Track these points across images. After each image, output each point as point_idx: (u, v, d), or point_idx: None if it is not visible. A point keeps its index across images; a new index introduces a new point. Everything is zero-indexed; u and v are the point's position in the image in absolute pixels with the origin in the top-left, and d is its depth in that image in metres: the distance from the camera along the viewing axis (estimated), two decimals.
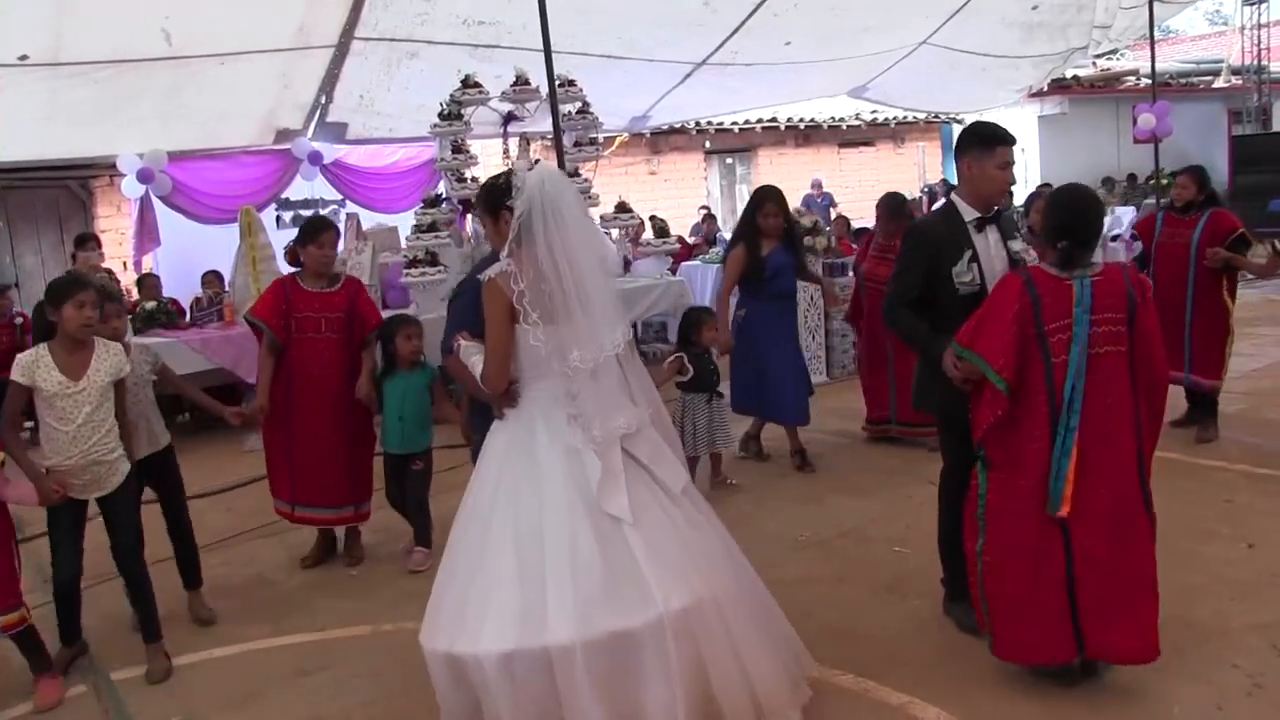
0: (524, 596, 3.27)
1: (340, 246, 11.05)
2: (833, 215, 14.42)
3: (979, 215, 4.21)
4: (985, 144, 4.18)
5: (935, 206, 16.34)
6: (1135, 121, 14.00)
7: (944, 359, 3.89)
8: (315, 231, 5.63)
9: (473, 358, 3.60)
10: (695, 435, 6.30)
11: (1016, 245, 4.26)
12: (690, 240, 14.80)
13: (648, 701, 3.26)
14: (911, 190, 18.25)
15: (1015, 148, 4.28)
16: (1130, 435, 3.69)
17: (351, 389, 5.60)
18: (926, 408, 4.43)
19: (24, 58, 8.44)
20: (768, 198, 6.89)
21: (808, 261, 8.96)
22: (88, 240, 9.86)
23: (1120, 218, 14.61)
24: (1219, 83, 23.04)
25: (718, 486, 6.50)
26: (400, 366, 5.70)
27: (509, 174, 3.56)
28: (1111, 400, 3.65)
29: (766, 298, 6.79)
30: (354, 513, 5.81)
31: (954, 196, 4.34)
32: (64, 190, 13.12)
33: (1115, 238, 13.65)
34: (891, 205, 7.37)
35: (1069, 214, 3.78)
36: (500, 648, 3.23)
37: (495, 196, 3.60)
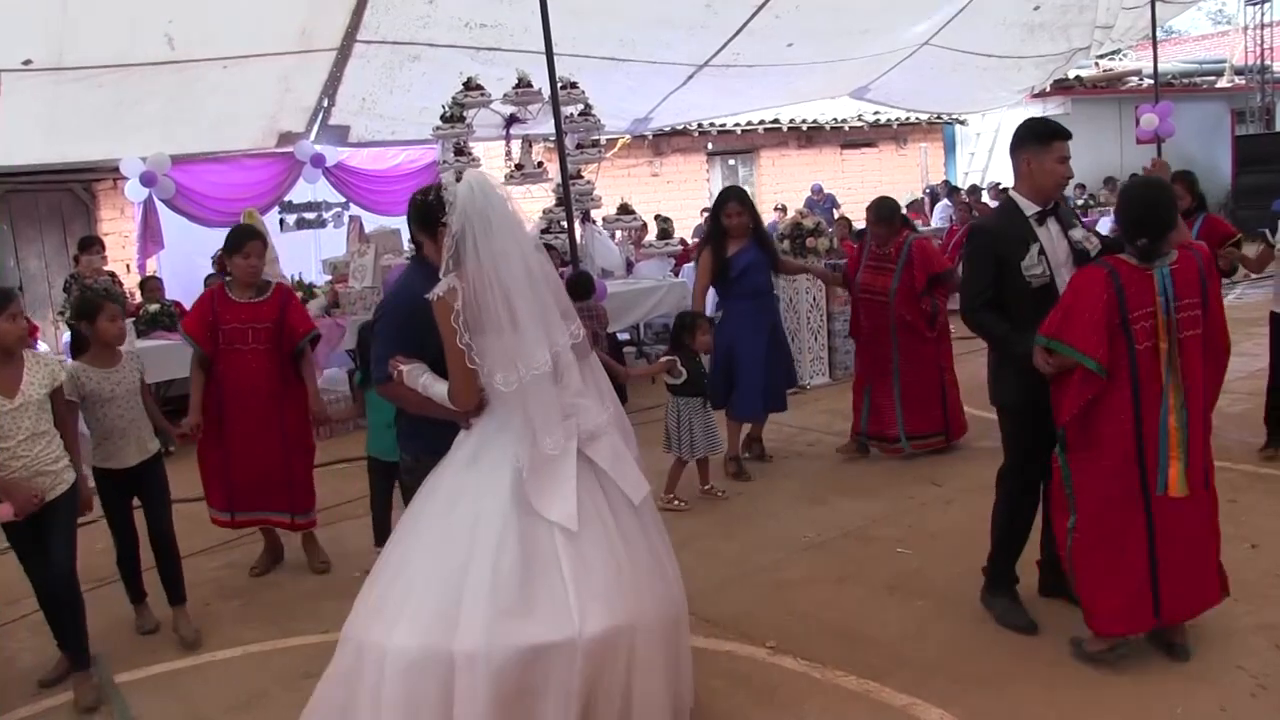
0: (441, 599, 3.21)
1: (343, 248, 11.16)
2: (835, 217, 14.44)
3: (1039, 209, 4.28)
4: (1041, 139, 4.26)
5: (937, 206, 16.40)
6: (1138, 122, 14.02)
7: (1036, 354, 3.97)
8: (241, 241, 5.50)
9: (420, 379, 3.53)
10: (693, 440, 6.24)
11: (1077, 234, 4.33)
12: (692, 242, 14.81)
13: (543, 716, 3.18)
14: (914, 191, 18.25)
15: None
16: (1202, 408, 3.91)
17: (285, 398, 5.55)
18: (1003, 402, 4.45)
19: (28, 62, 8.47)
20: (730, 198, 6.92)
21: (808, 258, 8.98)
22: (92, 244, 9.88)
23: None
24: (1222, 83, 23.04)
25: (706, 495, 6.42)
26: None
27: (439, 189, 3.51)
28: (1191, 381, 3.85)
29: (737, 296, 6.80)
30: (290, 520, 5.72)
31: (1012, 193, 4.41)
32: (67, 194, 13.13)
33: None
34: (881, 209, 7.07)
35: (1144, 209, 3.88)
36: (409, 643, 3.17)
37: (428, 213, 3.57)
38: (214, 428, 5.50)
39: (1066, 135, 4.30)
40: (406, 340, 3.64)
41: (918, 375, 6.94)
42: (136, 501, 5.05)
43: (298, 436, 5.68)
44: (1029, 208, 4.29)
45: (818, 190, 17.90)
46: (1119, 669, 3.95)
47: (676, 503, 6.24)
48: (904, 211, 7.59)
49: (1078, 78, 20.37)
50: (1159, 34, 13.68)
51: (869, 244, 7.23)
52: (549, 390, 3.34)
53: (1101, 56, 19.37)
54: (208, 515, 5.77)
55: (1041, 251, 4.22)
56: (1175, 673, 3.89)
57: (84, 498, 4.56)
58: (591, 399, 3.49)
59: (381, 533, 5.55)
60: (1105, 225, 13.91)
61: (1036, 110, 19.52)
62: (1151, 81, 14.52)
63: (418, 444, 3.86)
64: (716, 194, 7.25)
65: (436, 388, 3.49)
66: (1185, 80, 22.50)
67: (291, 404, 5.63)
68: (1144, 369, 3.80)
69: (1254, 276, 7.63)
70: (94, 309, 4.74)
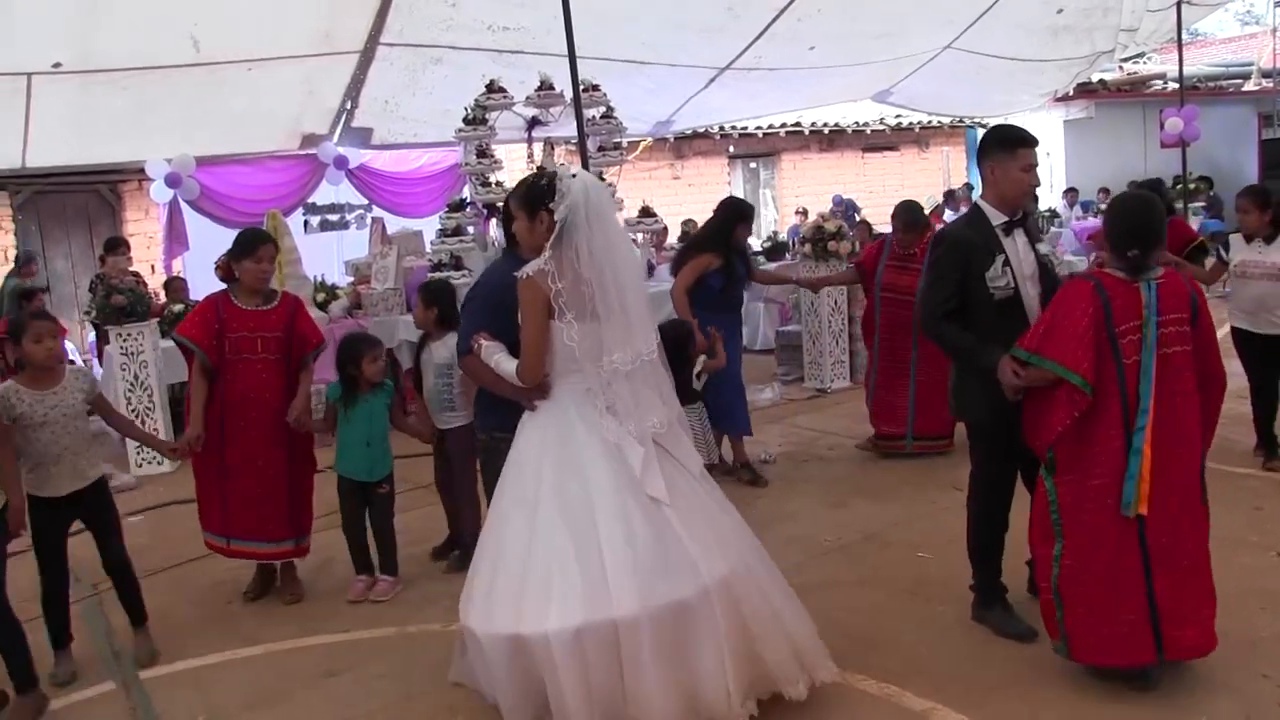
0: (585, 574, 3.42)
1: (365, 250, 11.22)
2: (856, 220, 14.41)
3: (1006, 219, 4.22)
4: (1007, 147, 4.21)
5: (954, 209, 16.32)
6: (1162, 126, 13.93)
7: (1002, 367, 3.91)
8: (253, 245, 5.26)
9: (495, 356, 3.78)
10: (702, 443, 6.17)
11: (1044, 248, 4.32)
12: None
13: (701, 666, 3.46)
14: (935, 196, 18.18)
15: (1040, 151, 4.30)
16: (1196, 430, 3.82)
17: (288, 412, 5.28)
18: (966, 417, 4.42)
19: (57, 65, 8.55)
20: (749, 216, 6.98)
21: (829, 262, 8.98)
22: (118, 245, 9.96)
23: None
24: (1249, 86, 22.85)
25: None
26: (362, 390, 5.37)
27: (553, 176, 3.65)
28: (1179, 399, 3.75)
29: (723, 308, 6.70)
30: (294, 547, 5.44)
31: (979, 201, 4.34)
32: (94, 195, 13.27)
33: None
34: (908, 215, 7.22)
35: (1136, 221, 3.81)
36: (569, 624, 3.36)
37: (536, 196, 3.69)
38: (214, 443, 5.21)
39: (1033, 143, 4.25)
40: (494, 321, 3.90)
41: (933, 376, 6.87)
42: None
43: (301, 454, 5.43)
44: (996, 217, 4.23)
45: (839, 202, 17.87)
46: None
47: None
48: (930, 214, 7.67)
49: (1101, 81, 20.26)
50: (1185, 36, 13.61)
51: (890, 244, 7.25)
52: (651, 376, 3.68)
53: (1126, 60, 19.25)
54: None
55: (1007, 263, 4.15)
56: (1200, 681, 3.87)
57: (12, 524, 4.29)
58: (666, 398, 3.78)
59: (361, 559, 5.46)
60: None
61: (1060, 114, 19.48)
62: (1177, 85, 14.43)
63: (491, 420, 4.12)
64: (728, 203, 7.16)
65: (506, 365, 3.74)
66: (1211, 83, 22.31)
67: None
68: (1132, 384, 3.70)
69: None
70: (20, 329, 4.50)
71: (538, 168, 10.60)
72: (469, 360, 4.00)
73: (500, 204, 8.05)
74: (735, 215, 6.86)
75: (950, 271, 4.20)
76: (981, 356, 4.07)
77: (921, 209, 7.32)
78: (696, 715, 3.47)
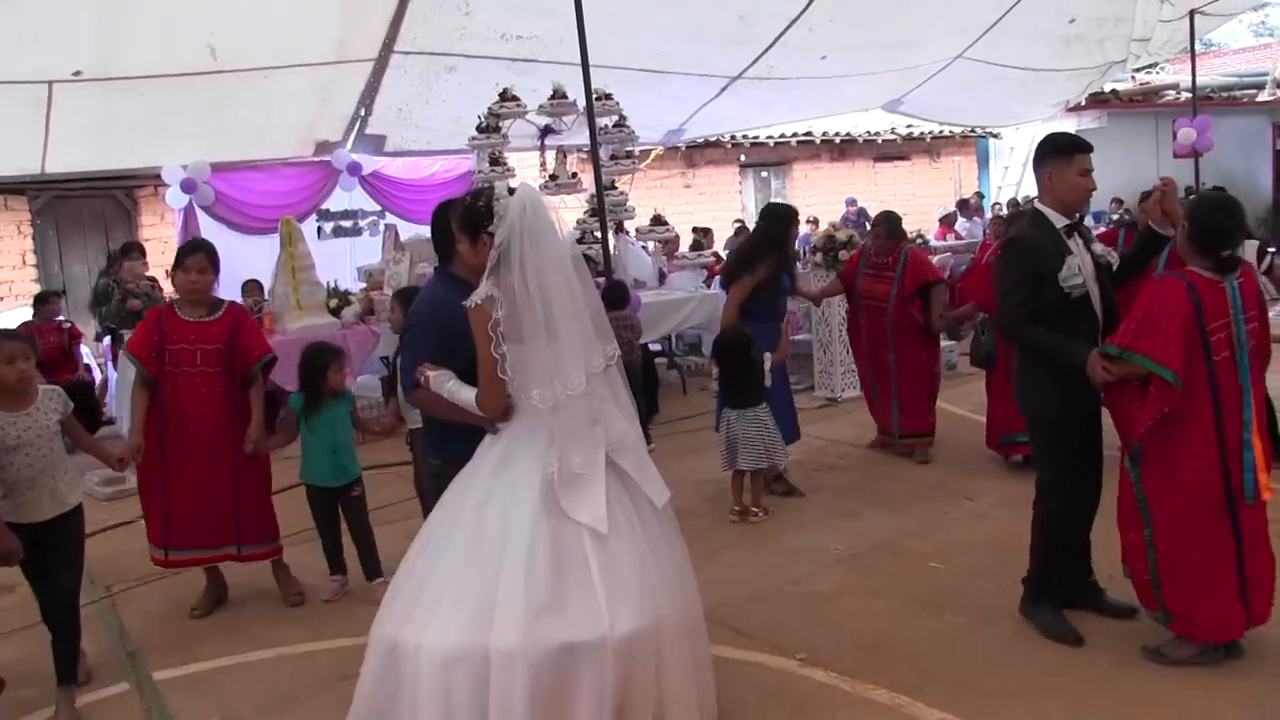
0: (474, 598, 3.27)
1: (378, 257, 11.27)
2: (868, 229, 14.41)
3: (1068, 222, 4.32)
4: (1064, 153, 4.34)
5: (958, 223, 16.31)
6: (1175, 136, 13.91)
7: (1091, 362, 4.01)
8: (181, 256, 5.23)
9: (446, 385, 3.60)
10: (734, 451, 6.23)
11: (1099, 249, 4.39)
12: (723, 254, 14.83)
13: (580, 709, 3.23)
14: (947, 205, 18.18)
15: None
16: (1263, 419, 4.03)
17: (235, 425, 5.22)
18: (1039, 414, 4.43)
19: (77, 73, 8.63)
20: (797, 219, 7.15)
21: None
22: (133, 249, 10.02)
23: None
24: (1263, 96, 22.80)
25: (751, 513, 6.32)
26: (326, 398, 5.43)
27: (490, 195, 3.52)
28: (1257, 391, 3.98)
29: (767, 317, 6.68)
30: (236, 552, 5.35)
31: (1039, 206, 4.41)
32: (110, 200, 13.36)
33: None
34: (890, 223, 7.49)
35: (1225, 222, 3.99)
36: (443, 641, 3.23)
37: (475, 220, 3.57)
38: (155, 456, 5.17)
39: (1088, 148, 4.38)
40: (435, 349, 3.72)
41: (912, 381, 7.32)
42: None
43: (251, 465, 5.31)
44: (1059, 220, 4.33)
45: (851, 203, 17.89)
46: (1154, 681, 3.95)
47: (754, 513, 6.28)
48: (938, 223, 7.85)
49: (1114, 91, 20.24)
50: (1198, 46, 13.59)
51: (868, 252, 7.57)
52: (581, 409, 3.43)
53: (1138, 70, 19.23)
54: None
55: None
56: (1220, 691, 3.87)
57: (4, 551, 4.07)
58: (614, 406, 3.56)
59: (335, 560, 5.56)
60: None
61: (1072, 124, 19.42)
62: (1189, 95, 14.42)
63: (448, 449, 3.86)
64: (769, 208, 7.33)
65: (463, 394, 3.55)
66: (1224, 94, 22.29)
67: (243, 431, 5.25)
68: (1222, 379, 3.87)
69: None
70: None
71: (550, 176, 10.70)
72: (419, 394, 3.77)
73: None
74: (788, 221, 7.00)
75: (1025, 274, 4.25)
76: (1070, 353, 4.15)
77: (901, 220, 7.64)
78: None
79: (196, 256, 5.19)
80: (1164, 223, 4.37)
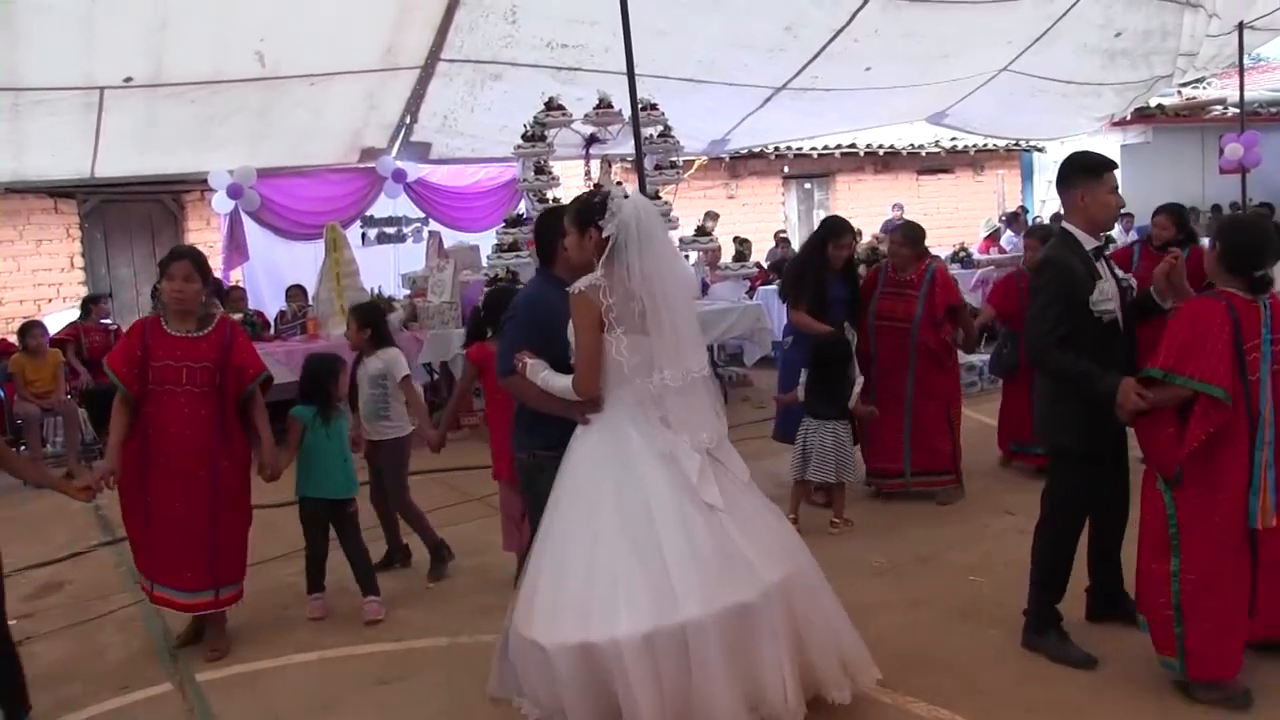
0: (650, 581, 3.50)
1: (422, 263, 11.35)
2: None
3: (1097, 243, 4.28)
4: (1094, 172, 4.27)
5: (1003, 237, 16.19)
6: (1222, 151, 13.76)
7: (1124, 391, 3.91)
8: (165, 263, 4.86)
9: (541, 374, 3.84)
10: (805, 460, 6.20)
11: (1119, 273, 4.34)
12: (765, 265, 14.81)
13: (762, 666, 3.56)
14: (993, 220, 18.04)
15: None
16: None
17: (220, 451, 4.85)
18: (1060, 443, 4.34)
19: (129, 80, 8.77)
20: (838, 230, 6.76)
21: None
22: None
23: (1202, 247, 14.34)
24: None
25: (832, 524, 6.27)
26: (335, 407, 5.38)
27: (605, 195, 3.76)
28: (1278, 413, 3.86)
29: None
30: (214, 598, 4.93)
31: (1068, 227, 4.34)
32: (157, 205, 13.54)
33: None
34: (912, 235, 6.88)
35: (1262, 240, 3.92)
36: (639, 629, 3.43)
37: (588, 213, 3.78)
38: (136, 481, 4.79)
39: (1115, 165, 4.35)
40: (533, 340, 3.97)
41: (928, 409, 6.69)
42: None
43: (231, 496, 4.92)
44: (1089, 242, 4.26)
45: (899, 207, 17.80)
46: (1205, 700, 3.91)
47: (834, 524, 6.25)
48: (983, 239, 7.57)
49: (1159, 106, 20.04)
50: (1246, 61, 13.43)
51: (885, 270, 6.94)
52: (704, 391, 3.80)
53: (1184, 85, 19.02)
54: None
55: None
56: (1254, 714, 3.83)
57: None
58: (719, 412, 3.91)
59: (319, 578, 5.42)
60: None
61: (1117, 139, 19.28)
62: (1237, 110, 14.26)
63: (537, 440, 4.10)
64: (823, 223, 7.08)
65: (557, 381, 3.79)
66: (1273, 108, 21.99)
67: (228, 458, 4.89)
68: (1254, 400, 3.79)
69: None
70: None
71: (595, 185, 10.74)
72: (514, 380, 4.01)
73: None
74: (822, 234, 6.79)
75: (1058, 297, 4.15)
76: (1099, 382, 4.05)
77: (924, 231, 7.04)
78: (756, 714, 3.56)
79: (181, 263, 4.79)
80: (1166, 293, 4.29)
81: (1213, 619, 3.82)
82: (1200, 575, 3.83)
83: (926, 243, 6.99)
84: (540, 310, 4.05)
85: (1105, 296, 4.14)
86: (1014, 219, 16.58)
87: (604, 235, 3.67)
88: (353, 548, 5.41)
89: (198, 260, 4.89)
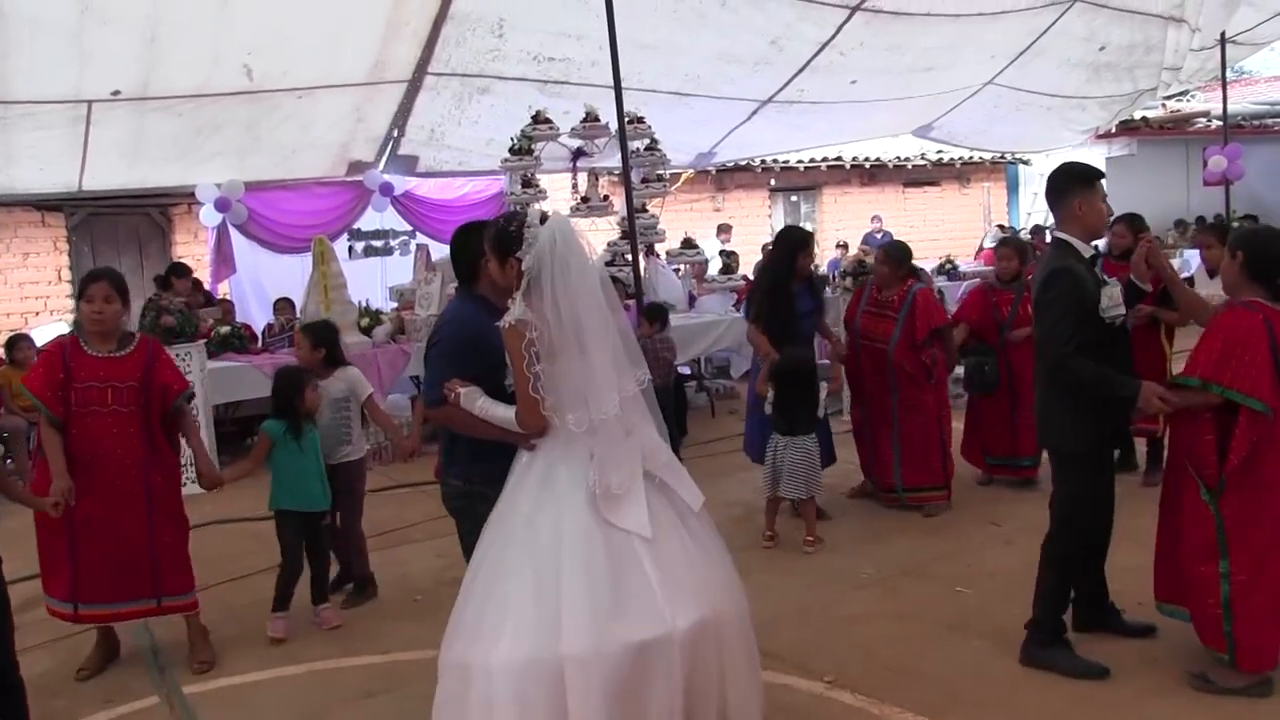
0: (539, 609, 3.31)
1: (409, 276, 11.35)
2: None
3: (1094, 251, 4.35)
4: (1089, 181, 4.35)
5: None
6: (1206, 164, 13.85)
7: (1146, 396, 3.99)
8: (83, 284, 4.78)
9: (478, 402, 3.65)
10: (775, 476, 6.18)
11: (1111, 280, 4.39)
12: (752, 278, 14.83)
13: (649, 714, 3.30)
14: (998, 232, 18.07)
15: None
16: None
17: (151, 466, 4.79)
18: (1066, 448, 4.36)
19: (116, 93, 8.78)
20: (808, 244, 6.78)
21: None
22: (188, 272, 10.13)
23: (1189, 260, 14.43)
24: None
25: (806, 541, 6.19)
26: (306, 420, 5.33)
27: (521, 221, 3.60)
28: None
29: (786, 342, 6.46)
30: (156, 605, 4.89)
31: (1065, 236, 4.36)
32: (145, 218, 13.53)
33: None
34: (897, 255, 6.89)
35: None
36: (515, 655, 3.26)
37: (505, 244, 3.62)
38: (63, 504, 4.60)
39: (1104, 175, 4.45)
40: (461, 367, 3.76)
41: (917, 426, 6.69)
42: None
43: (168, 509, 4.89)
44: (1086, 250, 4.31)
45: (876, 219, 17.87)
46: (1185, 708, 3.93)
47: (808, 541, 6.17)
48: (987, 249, 7.53)
49: (1144, 118, 20.16)
50: (1229, 74, 13.53)
51: (869, 289, 7.01)
52: (617, 430, 3.51)
53: (1169, 97, 19.14)
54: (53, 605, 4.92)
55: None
56: (1264, 713, 3.86)
57: None
58: (646, 425, 3.64)
59: (284, 598, 5.34)
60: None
61: (1102, 151, 19.38)
62: (1220, 122, 14.36)
63: (476, 467, 3.86)
64: (779, 233, 7.06)
65: (497, 411, 3.60)
66: (1256, 122, 22.15)
67: (160, 472, 4.86)
68: None
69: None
70: None
71: (581, 198, 10.77)
72: (445, 410, 3.81)
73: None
74: (791, 246, 6.72)
75: (1072, 306, 4.16)
76: (1122, 387, 4.11)
77: (910, 252, 7.02)
78: None
79: (100, 284, 4.71)
80: (1145, 276, 4.43)
81: (1263, 613, 3.92)
82: (1249, 575, 3.91)
83: (915, 257, 7.02)
84: (466, 333, 3.86)
85: (1114, 301, 4.20)
86: (1038, 231, 16.57)
87: (524, 266, 3.52)
88: (318, 559, 5.43)
89: (116, 281, 4.80)
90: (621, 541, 3.41)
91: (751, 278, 13.87)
